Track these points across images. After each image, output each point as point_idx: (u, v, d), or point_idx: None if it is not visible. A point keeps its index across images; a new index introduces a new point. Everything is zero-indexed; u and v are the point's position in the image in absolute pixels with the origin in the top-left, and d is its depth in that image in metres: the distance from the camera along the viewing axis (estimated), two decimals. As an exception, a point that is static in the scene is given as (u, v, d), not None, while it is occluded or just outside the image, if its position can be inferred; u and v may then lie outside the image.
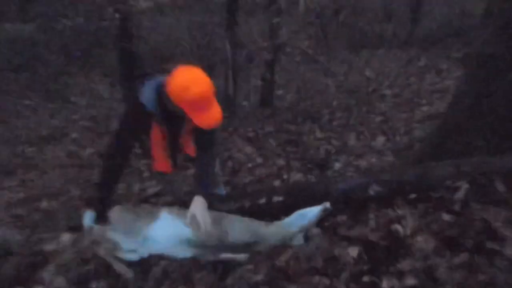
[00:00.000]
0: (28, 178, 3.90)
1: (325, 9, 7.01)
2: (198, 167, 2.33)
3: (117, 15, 4.77)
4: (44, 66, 7.35)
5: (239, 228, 2.25)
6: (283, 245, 2.21)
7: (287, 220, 2.28)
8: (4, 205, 3.25)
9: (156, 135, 2.21)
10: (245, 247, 2.21)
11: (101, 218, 2.23)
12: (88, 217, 2.26)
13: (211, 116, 1.97)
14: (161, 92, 2.04)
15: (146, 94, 2.06)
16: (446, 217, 2.16)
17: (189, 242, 2.19)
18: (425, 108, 4.83)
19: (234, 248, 2.21)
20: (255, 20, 6.14)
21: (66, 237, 2.47)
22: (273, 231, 2.26)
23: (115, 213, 2.29)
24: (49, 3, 7.37)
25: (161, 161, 2.39)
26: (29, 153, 4.65)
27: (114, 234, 2.22)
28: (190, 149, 2.43)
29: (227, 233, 2.21)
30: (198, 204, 2.16)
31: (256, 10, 5.83)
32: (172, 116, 2.11)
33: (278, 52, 5.04)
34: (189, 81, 1.91)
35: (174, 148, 2.36)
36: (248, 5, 5.36)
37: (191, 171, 3.37)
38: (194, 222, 2.14)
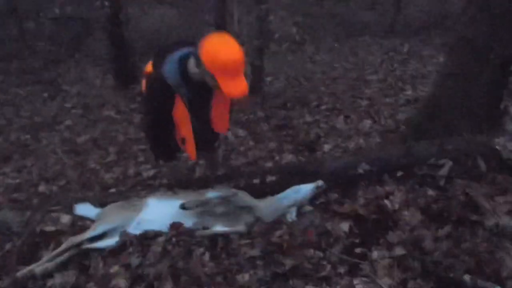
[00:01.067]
0: (24, 164, 3.93)
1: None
2: None
3: (106, 3, 4.74)
4: (34, 55, 7.27)
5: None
6: (277, 221, 2.29)
7: (281, 194, 2.37)
8: (2, 190, 3.28)
9: (181, 113, 2.19)
10: (237, 215, 2.30)
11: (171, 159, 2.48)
12: (79, 209, 2.45)
13: (239, 86, 1.97)
14: (184, 64, 2.06)
15: (169, 68, 2.07)
16: (431, 192, 2.28)
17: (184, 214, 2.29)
18: (408, 93, 4.98)
19: (227, 216, 2.30)
20: (243, 8, 6.15)
21: (65, 219, 2.52)
22: (266, 203, 2.36)
23: (105, 208, 2.43)
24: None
25: (191, 145, 2.36)
26: (24, 141, 4.65)
27: (101, 224, 2.31)
28: (221, 125, 2.44)
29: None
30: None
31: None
32: (197, 92, 2.12)
33: (266, 39, 5.09)
34: (223, 44, 1.92)
35: (202, 126, 2.34)
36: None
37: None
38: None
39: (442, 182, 2.36)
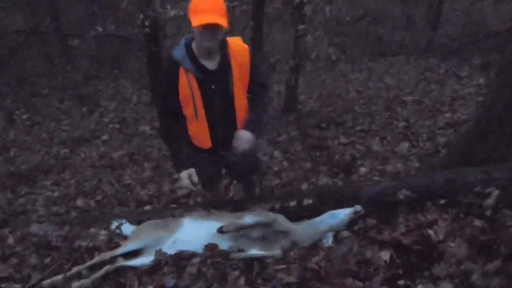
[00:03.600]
0: (63, 178, 4.03)
1: (348, 17, 7.07)
2: (250, 108, 2.42)
3: (146, 22, 4.88)
4: (76, 71, 7.58)
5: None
6: (314, 246, 2.25)
7: (318, 218, 2.33)
8: (43, 203, 3.36)
9: (185, 91, 2.26)
10: (274, 239, 2.26)
11: (184, 164, 2.41)
12: (121, 228, 2.49)
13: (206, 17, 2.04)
14: (189, 43, 2.25)
15: (176, 48, 2.27)
16: (477, 222, 2.15)
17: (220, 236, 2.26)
18: (447, 115, 4.81)
19: (263, 240, 2.26)
20: (278, 28, 6.19)
21: (102, 235, 2.55)
22: (303, 227, 2.31)
23: (139, 226, 2.45)
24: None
25: (199, 133, 2.38)
26: (63, 154, 4.80)
27: (132, 242, 2.33)
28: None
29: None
30: (245, 134, 2.31)
31: (280, 18, 5.89)
32: (208, 74, 2.24)
33: (302, 59, 5.09)
34: None
35: (221, 115, 2.35)
36: (273, 13, 5.42)
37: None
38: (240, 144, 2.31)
39: (489, 212, 2.23)
